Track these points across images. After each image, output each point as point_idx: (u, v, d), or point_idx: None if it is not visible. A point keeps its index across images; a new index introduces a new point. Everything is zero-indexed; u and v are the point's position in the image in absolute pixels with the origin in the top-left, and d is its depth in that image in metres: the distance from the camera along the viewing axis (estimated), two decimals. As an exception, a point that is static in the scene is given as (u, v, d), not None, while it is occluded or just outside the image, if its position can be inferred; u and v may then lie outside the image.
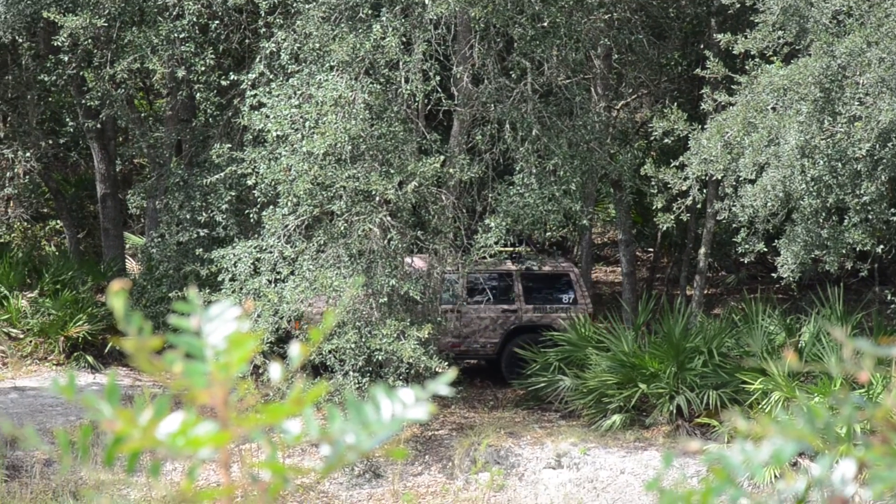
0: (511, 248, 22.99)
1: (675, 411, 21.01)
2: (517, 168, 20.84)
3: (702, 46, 23.74)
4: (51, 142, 26.82)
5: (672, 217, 20.46)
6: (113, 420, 2.32)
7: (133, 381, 22.58)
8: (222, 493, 2.33)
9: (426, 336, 19.99)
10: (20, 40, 24.15)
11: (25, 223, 29.02)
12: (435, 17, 20.15)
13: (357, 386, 19.85)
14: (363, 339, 20.07)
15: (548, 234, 21.21)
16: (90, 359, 23.80)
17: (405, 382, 20.24)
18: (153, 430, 2.29)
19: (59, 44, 21.95)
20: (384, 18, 20.15)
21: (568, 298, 23.64)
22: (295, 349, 2.49)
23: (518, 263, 23.50)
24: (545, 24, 20.76)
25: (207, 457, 2.31)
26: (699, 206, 23.36)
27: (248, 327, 2.46)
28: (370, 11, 20.32)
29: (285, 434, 2.47)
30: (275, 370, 2.51)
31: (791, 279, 19.76)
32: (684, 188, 20.18)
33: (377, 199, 20.26)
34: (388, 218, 20.35)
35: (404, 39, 20.33)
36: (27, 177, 27.35)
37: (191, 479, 2.33)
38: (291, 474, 2.35)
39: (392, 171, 20.14)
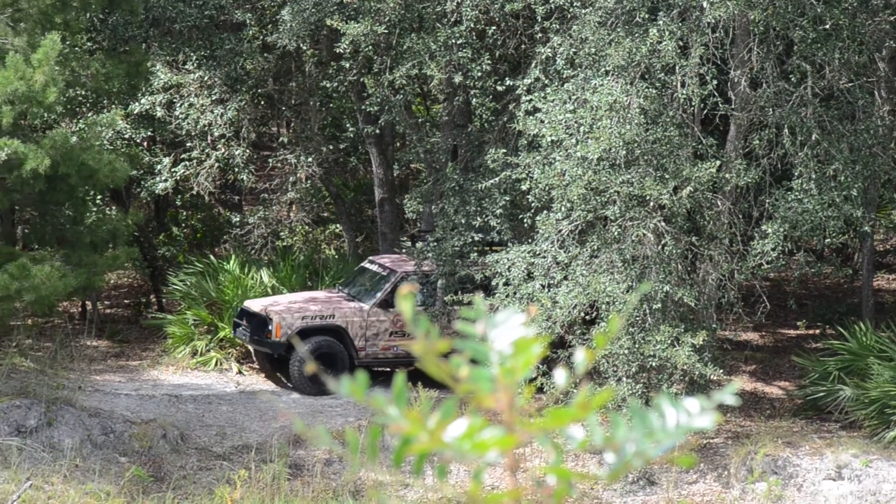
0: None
1: (962, 425, 20.29)
2: (796, 173, 20.43)
3: None
4: (331, 147, 27.47)
5: (959, 224, 19.79)
6: (401, 422, 2.35)
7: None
8: (509, 497, 2.34)
9: (701, 343, 19.76)
10: (304, 48, 24.83)
11: (307, 227, 29.78)
12: (713, 21, 19.91)
13: (630, 392, 19.75)
14: (636, 345, 19.97)
15: (827, 240, 20.74)
16: (368, 360, 24.28)
17: (679, 389, 20.05)
18: (440, 432, 2.32)
19: (340, 51, 22.48)
20: (661, 22, 20.01)
21: None
22: (580, 355, 2.48)
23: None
24: (827, 26, 20.30)
25: (493, 460, 2.33)
26: None
27: (533, 332, 2.47)
28: (647, 15, 20.21)
29: (569, 439, 2.47)
30: (559, 375, 2.51)
31: None
32: (973, 194, 19.50)
33: (651, 204, 20.13)
34: (663, 223, 20.20)
35: (681, 43, 20.15)
36: (309, 181, 28.07)
37: (477, 482, 2.35)
38: (576, 480, 2.35)
39: (667, 176, 19.98)
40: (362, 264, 24.05)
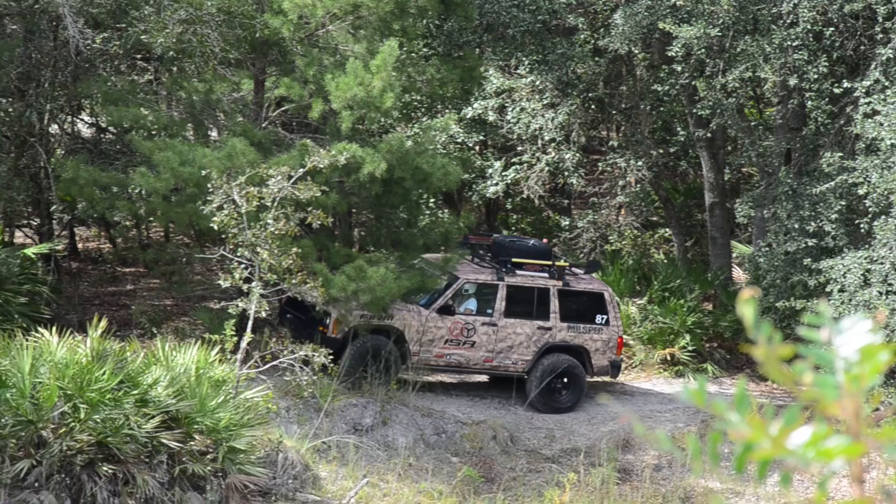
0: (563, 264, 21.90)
1: None
2: None
3: None
4: (661, 151, 27.33)
5: None
6: (742, 428, 2.32)
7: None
8: (857, 508, 2.28)
9: None
10: (636, 51, 24.79)
11: (635, 231, 29.71)
12: None
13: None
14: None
15: None
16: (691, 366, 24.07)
17: None
18: (783, 439, 2.28)
19: (672, 54, 22.35)
20: None
21: (601, 319, 21.80)
22: (931, 363, 2.40)
23: (555, 279, 21.68)
24: None
25: (838, 469, 2.27)
26: None
27: (881, 339, 2.40)
28: None
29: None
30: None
31: None
32: None
33: None
34: None
35: None
36: (638, 185, 27.99)
37: (822, 492, 2.30)
38: (927, 493, 2.27)
39: None
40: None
